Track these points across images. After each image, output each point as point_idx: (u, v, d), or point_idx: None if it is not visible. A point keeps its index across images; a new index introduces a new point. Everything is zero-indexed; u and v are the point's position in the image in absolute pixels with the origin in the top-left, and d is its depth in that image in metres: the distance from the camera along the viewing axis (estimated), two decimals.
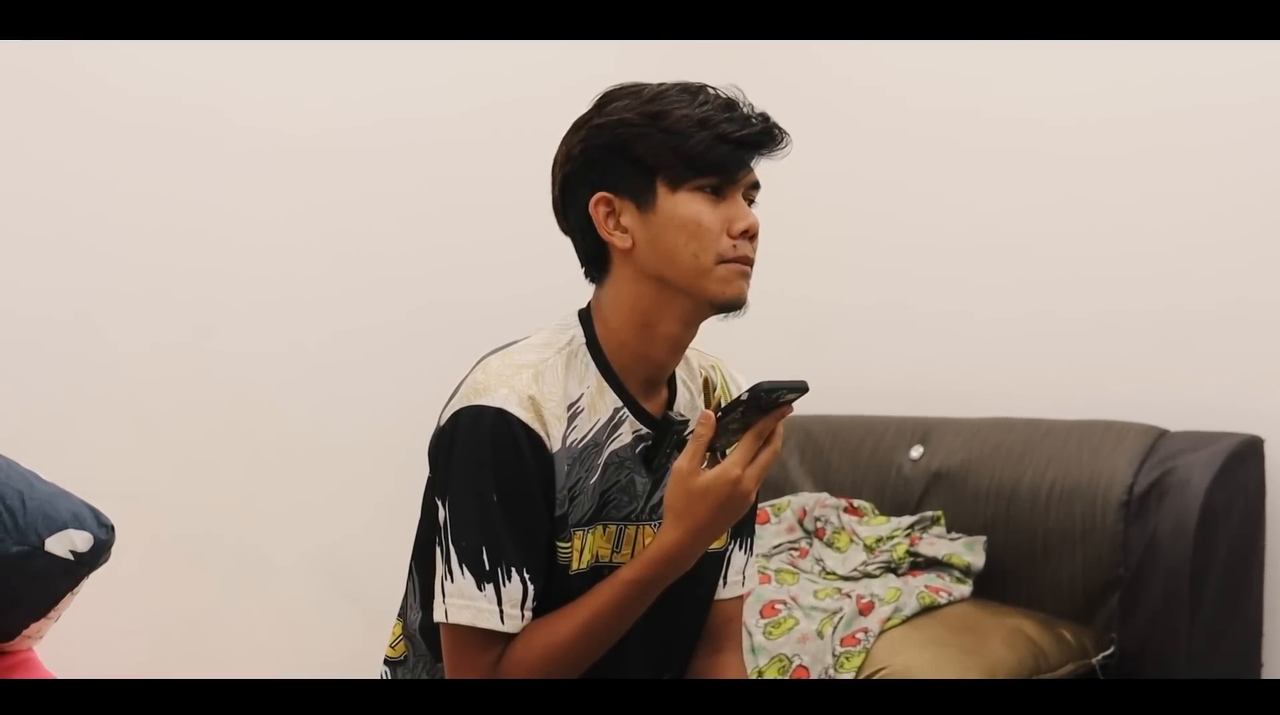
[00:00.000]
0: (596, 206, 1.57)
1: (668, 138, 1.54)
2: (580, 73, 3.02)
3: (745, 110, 1.57)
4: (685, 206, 1.55)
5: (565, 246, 1.67)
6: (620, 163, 1.56)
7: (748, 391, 1.48)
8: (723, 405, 1.66)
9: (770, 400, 1.48)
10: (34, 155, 2.63)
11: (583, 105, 1.63)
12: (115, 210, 2.72)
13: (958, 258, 3.19)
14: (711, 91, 1.57)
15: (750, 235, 1.57)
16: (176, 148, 2.78)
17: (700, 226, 1.54)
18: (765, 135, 1.57)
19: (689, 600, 1.67)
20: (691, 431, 1.67)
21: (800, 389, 1.48)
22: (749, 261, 1.58)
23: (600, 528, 1.61)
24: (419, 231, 3.11)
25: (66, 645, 2.24)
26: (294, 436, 2.96)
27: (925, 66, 3.17)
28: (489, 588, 1.53)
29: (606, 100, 1.59)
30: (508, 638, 1.55)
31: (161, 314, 2.78)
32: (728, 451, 1.51)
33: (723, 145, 1.54)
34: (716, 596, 1.75)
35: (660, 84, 1.59)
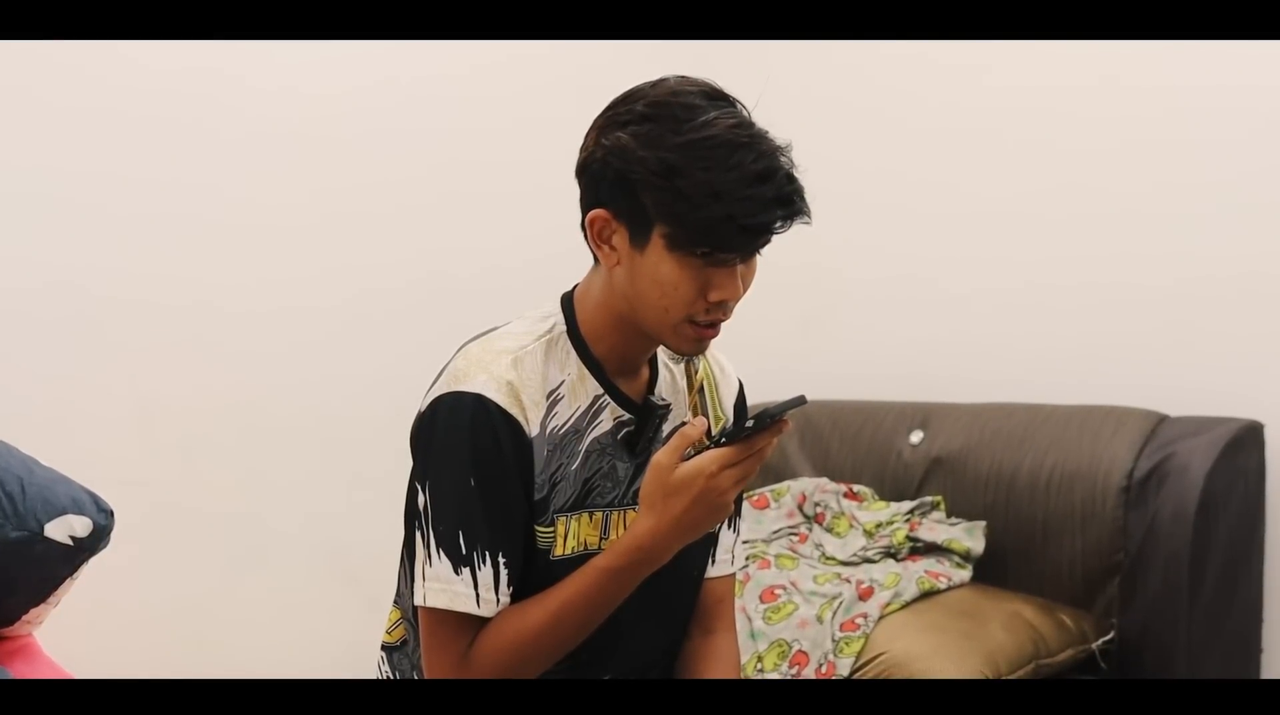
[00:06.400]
0: (593, 221, 1.55)
1: (677, 200, 1.47)
2: (588, 68, 3.08)
3: (774, 187, 1.48)
4: (670, 267, 1.50)
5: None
6: (627, 195, 1.51)
7: (753, 419, 1.48)
8: (704, 389, 1.69)
9: (773, 424, 1.48)
10: (35, 138, 2.63)
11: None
12: (116, 195, 2.72)
13: (957, 244, 3.18)
14: (754, 152, 1.48)
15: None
16: (177, 134, 2.78)
17: (677, 290, 1.51)
18: (781, 218, 1.49)
19: (681, 579, 1.68)
20: (677, 422, 1.68)
21: (798, 404, 1.48)
22: (716, 324, 1.56)
23: (586, 515, 1.62)
24: (422, 214, 3.11)
25: (66, 630, 2.25)
26: (296, 421, 2.96)
27: (924, 56, 3.15)
28: (465, 572, 1.54)
29: (648, 114, 1.51)
30: (484, 622, 1.56)
31: (161, 300, 2.78)
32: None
33: (729, 226, 1.47)
34: (706, 575, 1.76)
35: (713, 115, 1.49)
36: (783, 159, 1.50)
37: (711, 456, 1.49)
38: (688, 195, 1.46)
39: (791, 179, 1.50)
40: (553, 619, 1.55)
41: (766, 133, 1.52)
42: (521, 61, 3.16)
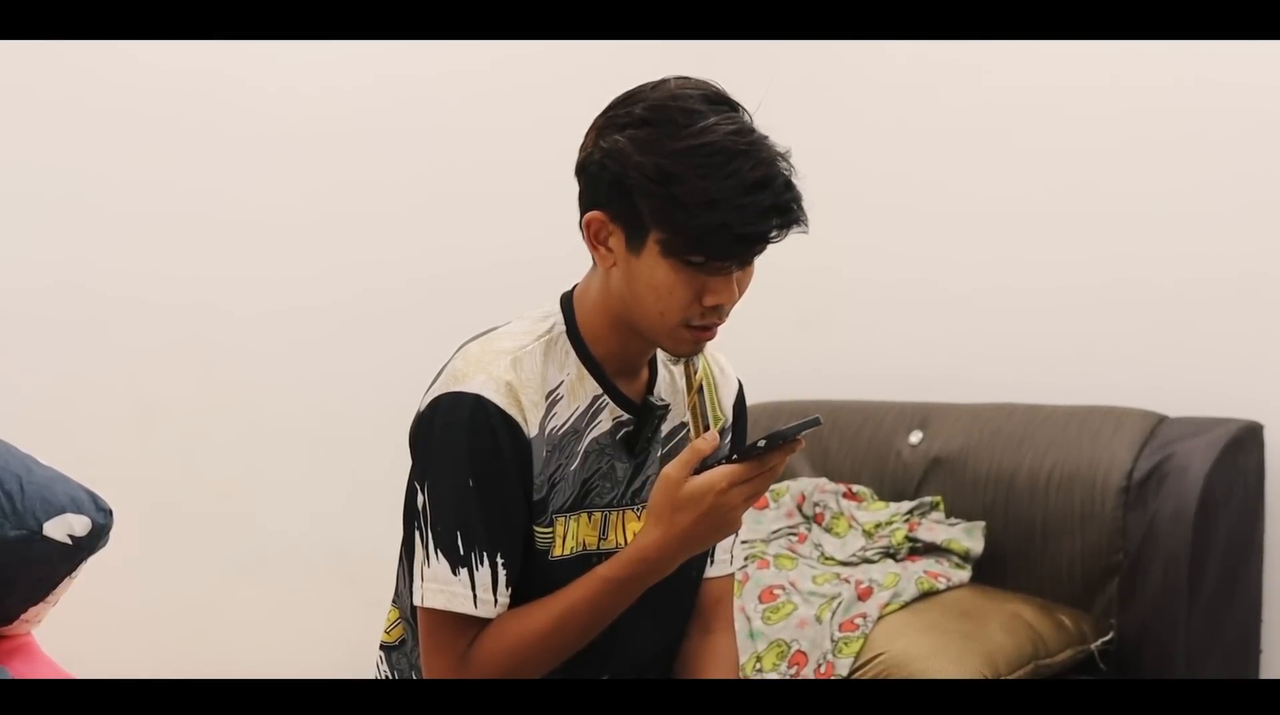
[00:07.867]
0: (590, 223, 1.55)
1: (673, 206, 1.45)
2: (592, 66, 3.08)
3: (771, 195, 1.46)
4: (665, 272, 1.49)
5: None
6: (623, 199, 1.50)
7: (765, 438, 1.47)
8: (703, 389, 1.69)
9: (786, 443, 1.48)
10: (36, 138, 2.63)
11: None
12: (116, 195, 2.72)
13: (957, 244, 3.18)
14: (752, 159, 1.46)
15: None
16: (178, 134, 2.78)
17: (672, 295, 1.51)
18: (777, 228, 1.48)
19: (679, 579, 1.68)
20: (676, 423, 1.67)
21: (814, 425, 1.47)
22: (713, 327, 1.55)
23: (585, 515, 1.62)
24: (421, 213, 3.11)
25: (65, 629, 2.25)
26: (295, 421, 2.96)
27: (924, 56, 3.15)
28: (463, 572, 1.54)
29: (646, 117, 1.50)
30: (482, 623, 1.56)
31: (161, 300, 2.78)
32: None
33: (725, 234, 1.46)
34: (705, 575, 1.77)
35: (712, 121, 1.47)
36: (781, 166, 1.49)
37: (722, 473, 1.48)
38: (684, 202, 1.45)
39: (789, 186, 1.49)
40: (555, 625, 1.55)
41: (766, 139, 1.50)
42: (522, 61, 3.16)
